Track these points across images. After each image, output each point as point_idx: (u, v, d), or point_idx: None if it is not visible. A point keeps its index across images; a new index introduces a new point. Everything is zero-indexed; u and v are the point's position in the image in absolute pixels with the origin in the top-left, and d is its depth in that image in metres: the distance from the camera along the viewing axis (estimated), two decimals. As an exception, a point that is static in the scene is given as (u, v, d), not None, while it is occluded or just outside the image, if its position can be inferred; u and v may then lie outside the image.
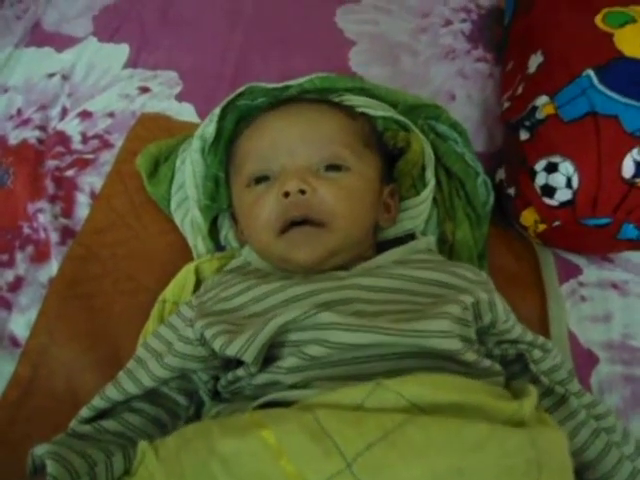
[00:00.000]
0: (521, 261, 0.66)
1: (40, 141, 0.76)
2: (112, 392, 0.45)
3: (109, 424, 0.44)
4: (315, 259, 0.48)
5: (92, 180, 0.71)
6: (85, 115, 0.79)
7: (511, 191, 0.64)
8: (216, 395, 0.48)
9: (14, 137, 0.76)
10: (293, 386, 0.40)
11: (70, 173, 0.72)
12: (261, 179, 0.52)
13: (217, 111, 0.63)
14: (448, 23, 0.96)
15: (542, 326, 0.60)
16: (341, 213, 0.48)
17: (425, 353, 0.41)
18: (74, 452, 0.40)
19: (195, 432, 0.36)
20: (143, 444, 0.37)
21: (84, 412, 0.45)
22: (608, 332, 0.61)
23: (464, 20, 0.96)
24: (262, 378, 0.42)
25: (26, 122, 0.78)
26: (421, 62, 0.90)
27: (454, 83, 0.86)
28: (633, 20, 0.64)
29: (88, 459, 0.40)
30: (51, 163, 0.73)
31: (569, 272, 0.65)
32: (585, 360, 0.59)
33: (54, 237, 0.65)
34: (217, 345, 0.43)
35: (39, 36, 0.91)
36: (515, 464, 0.32)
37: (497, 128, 0.79)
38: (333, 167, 0.50)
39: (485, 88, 0.86)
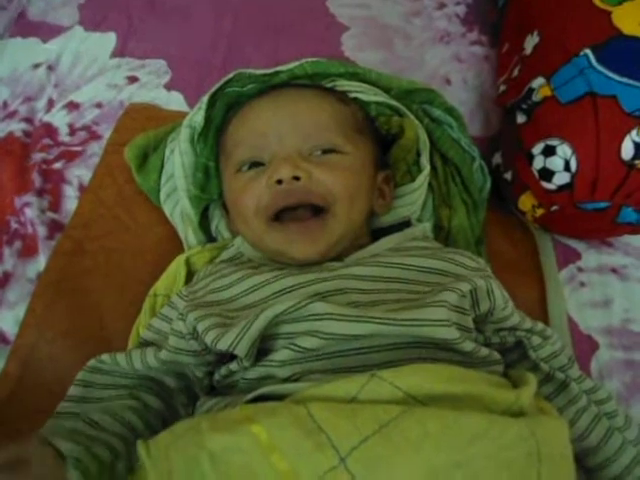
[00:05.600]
0: (519, 246, 0.65)
1: (26, 134, 0.74)
2: (105, 357, 0.46)
3: (131, 417, 0.44)
4: (316, 254, 0.47)
5: (80, 172, 0.70)
6: (72, 106, 0.77)
7: (508, 176, 0.63)
8: (211, 391, 0.47)
9: (0, 130, 0.74)
10: (287, 379, 0.39)
11: (57, 166, 0.70)
12: (251, 165, 0.51)
13: (205, 99, 0.61)
14: (442, 6, 0.94)
15: (541, 312, 0.60)
16: (339, 193, 0.47)
17: (422, 343, 0.40)
18: (92, 456, 0.39)
19: (185, 428, 0.35)
20: (139, 443, 0.36)
21: (80, 375, 0.47)
22: (608, 317, 0.60)
23: (458, 2, 0.94)
24: (256, 372, 0.41)
25: (12, 114, 0.76)
26: (415, 46, 0.88)
27: (449, 67, 0.85)
28: (631, -3, 0.62)
29: (100, 464, 0.39)
30: (38, 156, 0.71)
31: (568, 257, 0.64)
32: (585, 346, 0.58)
33: (41, 231, 0.63)
34: (209, 339, 0.42)
35: (24, 26, 0.89)
36: (514, 455, 0.31)
37: (494, 112, 0.77)
38: (325, 151, 0.49)
39: (481, 71, 0.84)
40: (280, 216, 0.48)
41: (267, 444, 0.30)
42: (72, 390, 0.46)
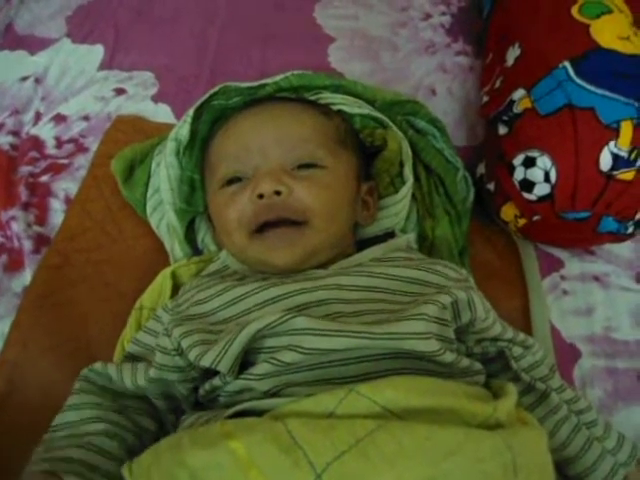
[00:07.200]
0: (503, 256, 0.66)
1: (13, 147, 0.74)
2: (98, 366, 0.47)
3: (132, 440, 0.44)
4: (294, 261, 0.47)
5: (67, 186, 0.70)
6: (59, 119, 0.78)
7: (491, 186, 0.63)
8: (196, 406, 0.47)
9: (-14, 143, 0.75)
10: (267, 392, 0.39)
11: (44, 179, 0.71)
12: (235, 180, 0.51)
13: (191, 112, 0.62)
14: (428, 16, 0.95)
15: (525, 321, 0.60)
16: (319, 210, 0.48)
17: (402, 355, 0.41)
18: None
19: (167, 445, 0.35)
20: (124, 466, 0.36)
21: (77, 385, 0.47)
22: (590, 325, 0.61)
23: (444, 13, 0.95)
24: (236, 385, 0.41)
25: (-1, 128, 0.77)
26: (401, 57, 0.89)
27: (434, 77, 0.86)
28: (609, 11, 0.63)
29: None
30: (25, 169, 0.71)
31: (551, 265, 0.65)
32: (568, 354, 0.58)
33: (27, 245, 0.63)
34: (192, 356, 0.42)
35: (12, 39, 0.90)
36: (490, 469, 0.31)
37: (479, 122, 0.78)
38: (308, 165, 0.50)
39: (466, 82, 0.85)
40: (261, 230, 0.48)
41: (245, 460, 0.31)
42: (69, 400, 0.46)
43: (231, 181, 0.51)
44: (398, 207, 0.58)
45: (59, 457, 0.40)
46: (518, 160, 0.58)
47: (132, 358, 0.50)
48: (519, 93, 0.61)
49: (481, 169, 0.67)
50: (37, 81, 0.82)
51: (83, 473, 0.39)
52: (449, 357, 0.41)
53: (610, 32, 0.60)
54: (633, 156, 0.54)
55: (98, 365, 0.47)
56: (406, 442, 0.30)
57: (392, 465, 0.30)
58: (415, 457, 0.30)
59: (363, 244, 0.55)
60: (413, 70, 0.87)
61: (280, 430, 0.32)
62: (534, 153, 0.57)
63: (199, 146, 0.61)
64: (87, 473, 0.39)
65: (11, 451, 0.43)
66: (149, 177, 0.64)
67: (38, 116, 0.78)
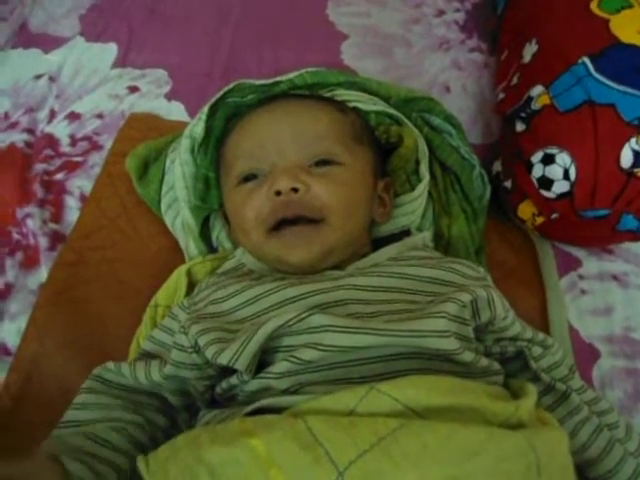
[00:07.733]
0: (520, 255, 0.65)
1: (28, 144, 0.74)
2: (110, 365, 0.47)
3: (138, 434, 0.44)
4: (311, 259, 0.47)
5: (82, 183, 0.70)
6: (73, 117, 0.78)
7: (508, 184, 0.63)
8: (212, 404, 0.47)
9: (1, 141, 0.75)
10: (285, 391, 0.39)
11: (59, 176, 0.71)
12: (251, 177, 0.51)
13: (205, 109, 0.61)
14: (441, 13, 0.94)
15: (542, 321, 0.59)
16: (336, 208, 0.47)
17: (421, 353, 0.40)
18: (96, 475, 0.39)
19: (184, 441, 0.35)
20: (139, 458, 0.36)
21: (87, 383, 0.47)
22: (609, 325, 0.60)
23: (457, 10, 0.95)
24: (254, 384, 0.41)
25: (14, 125, 0.77)
26: (414, 54, 0.88)
27: (449, 74, 0.85)
28: (629, 5, 0.62)
29: None
30: (39, 167, 0.71)
31: (569, 264, 0.64)
32: (586, 355, 0.58)
33: (43, 243, 0.64)
34: (210, 354, 0.42)
35: (26, 37, 0.90)
36: (513, 468, 0.31)
37: (494, 119, 0.77)
38: (324, 162, 0.49)
39: (480, 79, 0.84)
40: (279, 227, 0.48)
41: (265, 458, 0.30)
42: (78, 398, 0.46)
43: (247, 178, 0.51)
44: (414, 205, 0.58)
45: (62, 444, 0.40)
46: (537, 157, 0.57)
47: (147, 355, 0.50)
48: (537, 89, 0.60)
49: (497, 167, 0.66)
50: (51, 79, 0.82)
51: (82, 458, 0.39)
52: (468, 356, 0.41)
53: (631, 27, 0.59)
54: (655, 153, 0.53)
55: (111, 364, 0.47)
56: (429, 442, 0.30)
57: (415, 465, 0.29)
58: (438, 457, 0.30)
59: (379, 242, 0.54)
60: (427, 67, 0.86)
61: (300, 427, 0.31)
62: (553, 150, 0.56)
63: (214, 143, 0.61)
64: (88, 459, 0.39)
65: (28, 446, 0.43)
66: (163, 174, 0.64)
67: (52, 114, 0.78)
